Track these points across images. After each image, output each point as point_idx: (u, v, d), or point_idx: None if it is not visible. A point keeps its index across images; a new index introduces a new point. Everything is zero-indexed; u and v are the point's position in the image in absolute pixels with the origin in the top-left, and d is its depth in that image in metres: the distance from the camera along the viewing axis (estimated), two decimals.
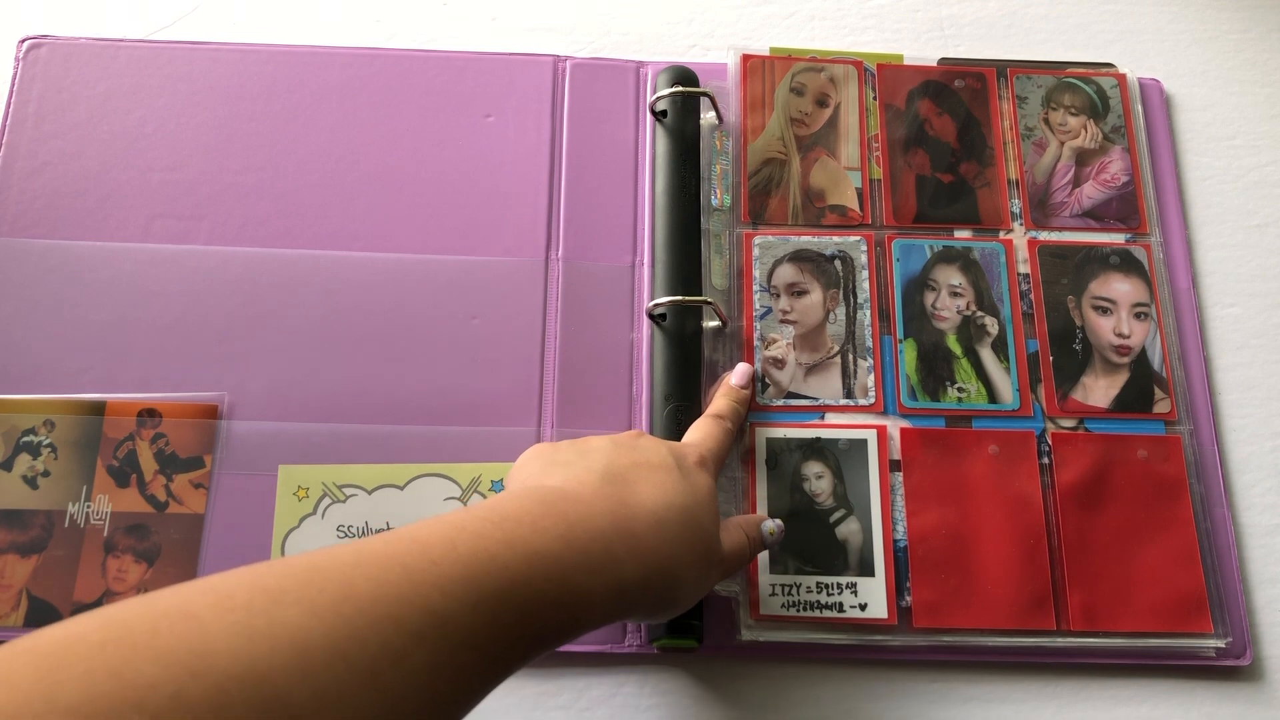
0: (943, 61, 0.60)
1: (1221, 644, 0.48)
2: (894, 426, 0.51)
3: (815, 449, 0.51)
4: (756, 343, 0.53)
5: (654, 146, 0.56)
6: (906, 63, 0.60)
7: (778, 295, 0.54)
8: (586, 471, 0.39)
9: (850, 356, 0.53)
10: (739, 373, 0.51)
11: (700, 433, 0.47)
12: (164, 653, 0.25)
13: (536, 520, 0.34)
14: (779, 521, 0.46)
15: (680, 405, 0.50)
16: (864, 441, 0.51)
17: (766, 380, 0.52)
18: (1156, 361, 0.53)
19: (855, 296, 0.54)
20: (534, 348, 0.53)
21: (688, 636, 0.47)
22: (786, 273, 0.54)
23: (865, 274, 0.54)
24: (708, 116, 0.57)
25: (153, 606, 0.26)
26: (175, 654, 0.25)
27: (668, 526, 0.38)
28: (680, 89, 0.56)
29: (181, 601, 0.27)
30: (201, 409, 0.51)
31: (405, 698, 0.28)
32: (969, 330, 0.54)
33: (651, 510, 0.38)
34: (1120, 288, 0.55)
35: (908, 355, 0.53)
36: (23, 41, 0.58)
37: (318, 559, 0.30)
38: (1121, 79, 0.60)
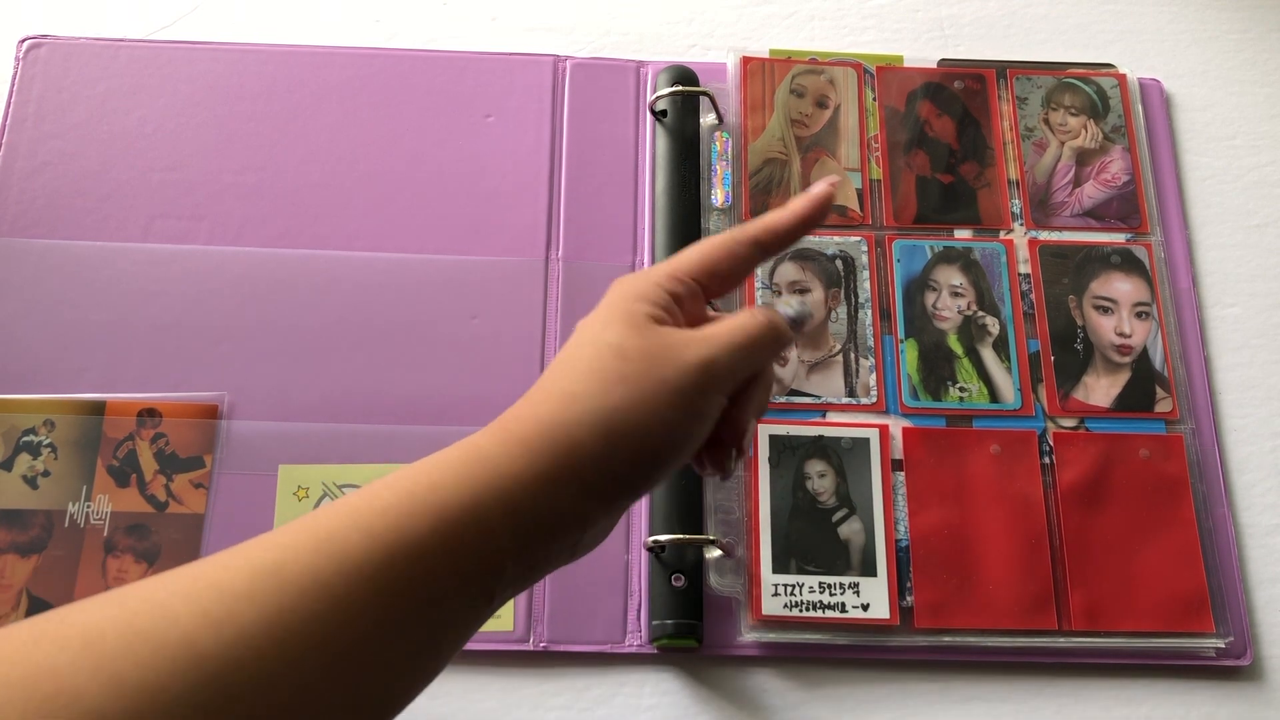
0: (942, 62, 0.60)
1: (1222, 644, 0.48)
2: (896, 426, 0.51)
3: (818, 447, 0.51)
4: None
5: (654, 146, 0.56)
6: (906, 64, 0.60)
7: (779, 293, 0.54)
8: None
9: (852, 355, 0.53)
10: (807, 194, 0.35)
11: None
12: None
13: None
14: (800, 301, 0.35)
15: None
16: (866, 440, 0.51)
17: None
18: (1158, 360, 0.53)
19: (857, 296, 0.54)
20: (534, 348, 0.53)
21: (688, 636, 0.47)
22: (788, 271, 0.54)
23: (866, 274, 0.54)
24: (708, 117, 0.57)
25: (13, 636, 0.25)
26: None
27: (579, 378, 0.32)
28: (680, 89, 0.56)
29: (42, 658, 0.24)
30: (201, 409, 0.51)
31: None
32: (970, 330, 0.54)
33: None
34: (1121, 287, 0.55)
35: (909, 355, 0.53)
36: (23, 41, 0.58)
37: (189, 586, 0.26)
38: (1121, 79, 0.60)
